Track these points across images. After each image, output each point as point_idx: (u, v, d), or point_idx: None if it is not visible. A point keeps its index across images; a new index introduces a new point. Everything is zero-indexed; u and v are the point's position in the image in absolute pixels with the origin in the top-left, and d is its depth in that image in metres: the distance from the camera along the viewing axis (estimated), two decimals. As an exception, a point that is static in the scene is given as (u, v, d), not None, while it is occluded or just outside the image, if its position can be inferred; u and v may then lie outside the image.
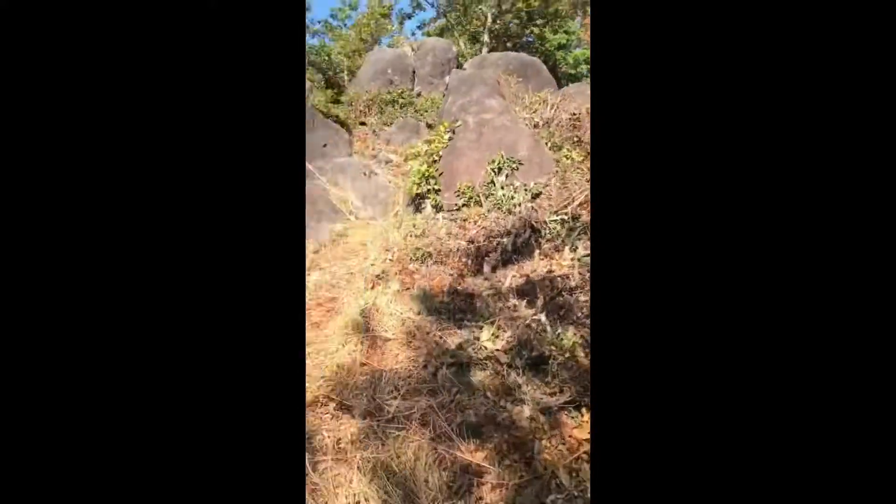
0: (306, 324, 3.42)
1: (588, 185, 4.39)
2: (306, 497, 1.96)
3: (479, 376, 2.70)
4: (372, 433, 2.31)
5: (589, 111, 5.54)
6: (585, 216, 4.19)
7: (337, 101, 8.40)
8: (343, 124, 7.40)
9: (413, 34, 14.23)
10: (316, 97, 7.28)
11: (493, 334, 2.93)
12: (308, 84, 7.39)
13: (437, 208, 5.22)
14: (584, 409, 2.37)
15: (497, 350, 2.79)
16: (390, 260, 4.15)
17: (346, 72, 10.96)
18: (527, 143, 5.20)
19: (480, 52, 11.66)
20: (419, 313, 3.26)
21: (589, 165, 4.83)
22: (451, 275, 3.79)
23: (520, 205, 4.57)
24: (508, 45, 12.43)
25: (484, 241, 4.00)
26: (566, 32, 12.53)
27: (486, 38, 12.13)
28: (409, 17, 13.94)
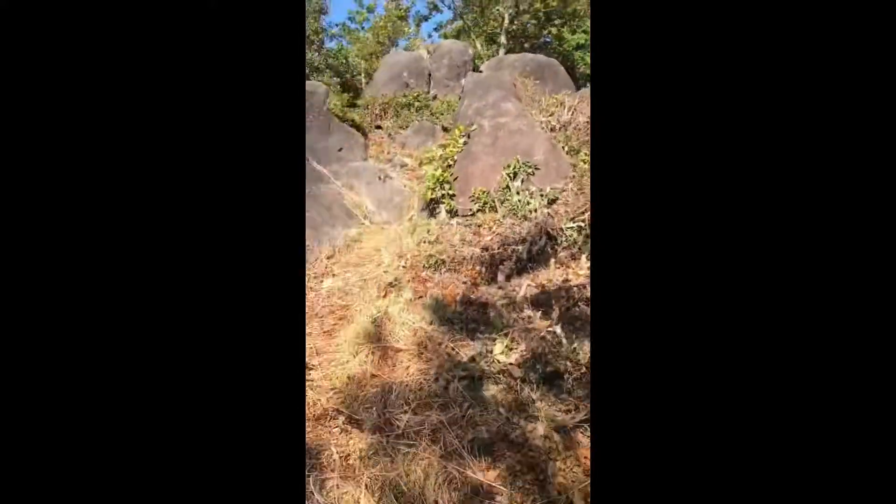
0: (318, 332, 3.40)
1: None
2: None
3: (491, 390, 2.63)
4: (381, 449, 2.26)
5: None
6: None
7: (353, 105, 8.40)
8: (359, 128, 7.39)
9: (430, 36, 14.21)
10: (332, 101, 7.26)
11: (506, 347, 2.86)
12: (324, 88, 7.39)
13: (452, 213, 5.17)
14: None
15: (510, 364, 2.72)
16: (403, 267, 4.11)
17: (363, 74, 10.98)
18: (543, 148, 5.10)
19: (497, 53, 11.56)
20: (431, 323, 3.20)
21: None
22: (465, 283, 3.73)
23: (535, 211, 4.49)
24: (526, 45, 12.30)
25: (498, 248, 3.93)
26: (585, 32, 12.34)
27: (503, 39, 12.01)
28: (426, 19, 13.86)
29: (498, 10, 12.06)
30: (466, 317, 3.25)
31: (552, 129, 5.65)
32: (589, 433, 2.28)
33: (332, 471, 2.14)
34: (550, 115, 5.91)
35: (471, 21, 13.02)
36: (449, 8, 13.51)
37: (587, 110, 5.93)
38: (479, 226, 4.65)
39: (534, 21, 12.40)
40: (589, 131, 5.60)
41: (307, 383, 2.73)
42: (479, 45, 12.17)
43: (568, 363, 2.67)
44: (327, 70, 10.47)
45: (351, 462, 2.21)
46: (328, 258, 4.71)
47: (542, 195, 4.63)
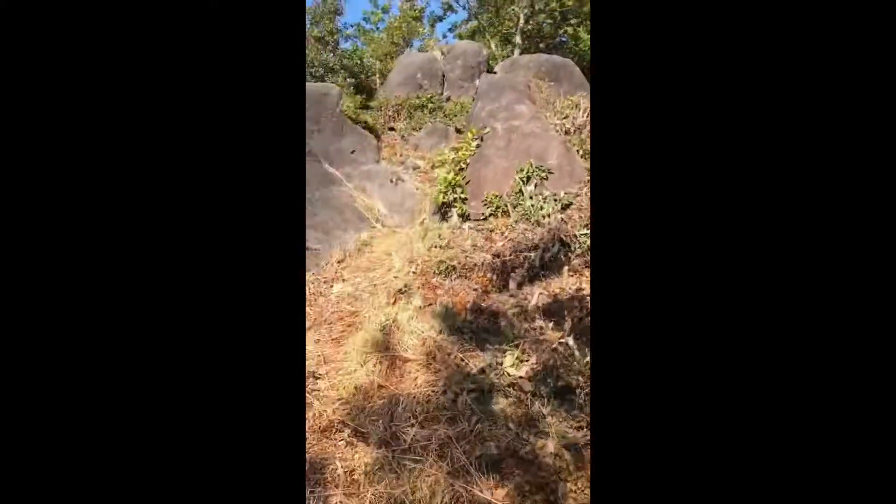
0: (327, 339, 3.37)
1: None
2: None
3: (501, 404, 2.57)
4: (387, 464, 2.21)
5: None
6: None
7: (366, 107, 8.38)
8: (372, 130, 7.36)
9: (444, 37, 14.16)
10: (345, 103, 7.24)
11: (517, 359, 2.79)
12: (337, 90, 7.38)
13: (464, 217, 5.10)
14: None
15: (521, 377, 2.65)
16: (414, 272, 4.06)
17: (377, 75, 10.97)
18: (557, 151, 5.01)
19: (512, 53, 11.45)
20: (441, 332, 3.15)
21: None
22: (476, 290, 3.66)
23: (549, 216, 4.40)
24: (541, 45, 12.15)
25: (510, 254, 3.86)
26: (601, 32, 12.12)
27: (518, 39, 11.88)
28: (441, 19, 13.76)
29: (513, 9, 11.93)
30: (476, 326, 3.18)
31: (566, 132, 5.54)
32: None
33: (336, 486, 2.10)
34: (565, 118, 5.80)
35: (486, 21, 12.91)
36: (464, 8, 13.43)
37: (603, 112, 5.79)
38: (490, 231, 4.58)
39: (549, 21, 12.24)
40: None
41: (314, 393, 2.70)
42: (493, 46, 12.06)
43: (580, 378, 2.59)
44: (342, 71, 10.47)
45: (355, 477, 2.17)
46: (339, 262, 4.69)
47: (555, 200, 4.54)
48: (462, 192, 5.17)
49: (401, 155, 7.27)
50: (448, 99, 8.31)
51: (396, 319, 3.28)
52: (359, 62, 10.91)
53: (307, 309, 3.82)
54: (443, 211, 5.37)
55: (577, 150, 5.26)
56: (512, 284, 3.63)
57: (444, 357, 2.89)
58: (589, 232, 4.02)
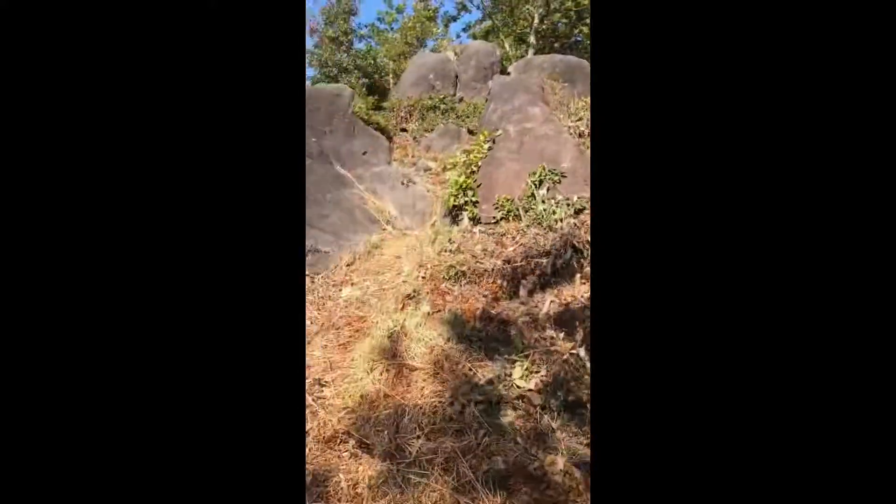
0: (334, 344, 3.33)
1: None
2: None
3: (509, 417, 2.51)
4: (391, 478, 2.16)
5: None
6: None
7: (379, 108, 8.36)
8: (383, 131, 7.33)
9: (458, 37, 14.06)
10: (357, 104, 7.22)
11: (526, 370, 2.72)
12: (349, 91, 7.36)
13: (475, 221, 5.03)
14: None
15: (530, 390, 2.58)
16: (423, 277, 4.00)
17: (391, 75, 10.95)
18: (570, 154, 4.92)
19: (527, 53, 11.33)
20: (449, 340, 3.09)
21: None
22: (485, 296, 3.60)
23: (561, 221, 4.31)
24: (556, 45, 12.01)
25: (521, 260, 3.78)
26: (617, 31, 11.95)
27: (532, 39, 11.76)
28: (455, 19, 13.71)
29: (528, 9, 11.82)
30: (486, 334, 3.12)
31: (580, 135, 5.44)
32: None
33: (339, 500, 2.06)
34: (579, 120, 5.69)
35: (500, 21, 12.81)
36: (478, 8, 13.34)
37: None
38: (502, 235, 4.51)
39: (565, 20, 12.10)
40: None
41: (319, 401, 2.67)
42: (507, 46, 11.95)
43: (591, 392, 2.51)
44: (355, 71, 10.47)
45: (359, 491, 2.12)
46: (348, 265, 4.66)
47: (568, 204, 4.45)
48: (473, 196, 5.10)
49: (412, 156, 7.24)
50: (461, 100, 8.25)
51: (404, 326, 3.23)
52: (372, 62, 10.90)
53: (315, 313, 3.80)
54: (454, 214, 5.32)
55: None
56: (522, 292, 3.56)
57: (451, 366, 2.83)
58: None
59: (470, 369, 2.81)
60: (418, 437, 2.40)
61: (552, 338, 2.95)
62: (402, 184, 6.23)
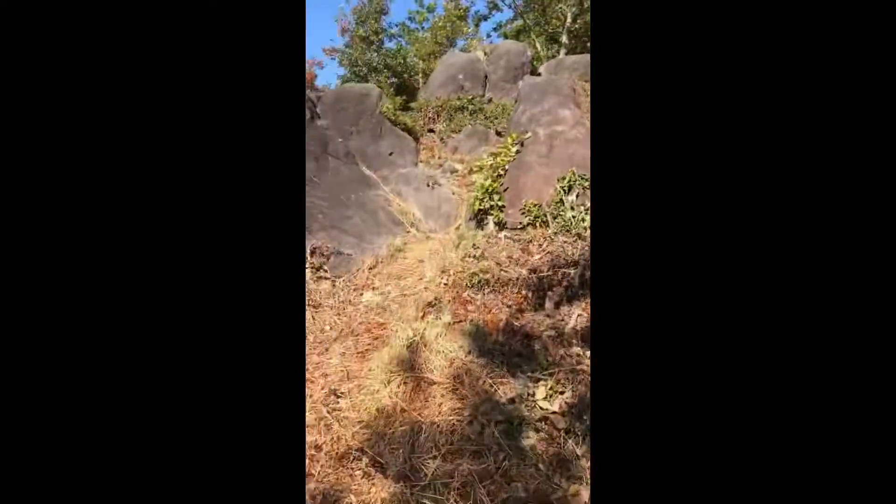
0: (353, 352, 3.26)
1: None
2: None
3: (531, 439, 2.37)
4: (404, 501, 2.06)
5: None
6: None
7: (406, 108, 8.29)
8: (410, 132, 7.26)
9: (488, 36, 13.86)
10: (385, 104, 7.17)
11: (550, 389, 2.58)
12: (377, 91, 7.32)
13: (500, 226, 4.90)
14: None
15: (554, 412, 2.43)
16: (445, 284, 3.89)
17: (420, 74, 10.89)
18: (603, 159, 4.72)
19: (558, 53, 11.09)
20: (469, 353, 2.97)
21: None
22: (509, 307, 3.46)
23: (590, 228, 4.13)
24: (589, 45, 11.74)
25: (548, 270, 3.63)
26: (654, 31, 11.56)
27: (564, 38, 11.50)
28: (486, 18, 13.51)
29: (560, 7, 11.55)
30: (508, 348, 2.99)
31: (613, 139, 5.23)
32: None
33: (349, 524, 1.97)
34: (612, 123, 5.48)
35: (531, 20, 12.57)
36: (509, 7, 13.12)
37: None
38: (528, 242, 4.36)
39: (599, 19, 11.77)
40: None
41: (334, 414, 2.59)
42: (539, 46, 11.72)
43: (620, 416, 2.35)
44: (385, 70, 10.45)
45: (370, 514, 2.03)
46: (370, 269, 4.59)
47: (599, 212, 4.27)
48: (499, 200, 4.97)
49: (439, 157, 7.14)
50: (490, 101, 8.10)
51: (424, 336, 3.13)
52: (402, 62, 10.87)
53: (336, 318, 3.74)
54: (479, 218, 5.19)
55: (625, 159, 4.95)
56: (548, 304, 3.40)
57: (472, 382, 2.71)
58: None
59: (491, 386, 2.69)
60: (434, 457, 2.29)
61: (579, 355, 2.79)
62: (428, 185, 6.14)
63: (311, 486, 2.11)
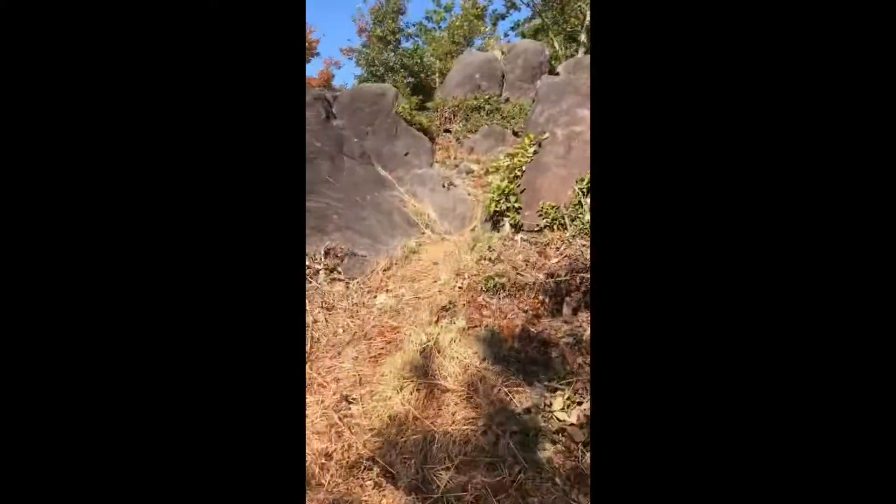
0: (365, 357, 3.21)
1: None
2: None
3: (547, 452, 2.28)
4: (416, 515, 2.00)
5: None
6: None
7: (422, 108, 8.24)
8: (426, 132, 7.20)
9: (506, 35, 13.73)
10: (401, 104, 7.12)
11: (568, 399, 2.49)
12: (393, 90, 7.27)
13: (517, 228, 4.80)
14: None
15: (572, 424, 2.35)
16: (460, 287, 3.82)
17: (437, 74, 10.84)
18: (623, 161, 4.60)
19: (577, 52, 10.92)
20: (484, 360, 2.89)
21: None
22: (526, 312, 3.37)
23: (610, 232, 4.02)
24: (608, 44, 11.53)
25: (566, 275, 3.53)
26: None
27: (583, 37, 11.32)
28: (503, 17, 13.41)
29: (579, 6, 11.38)
30: (524, 356, 2.90)
31: (634, 139, 5.10)
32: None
33: (359, 537, 1.91)
34: (633, 123, 5.35)
35: (549, 19, 12.41)
36: (527, 5, 12.98)
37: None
38: (545, 245, 4.26)
39: (619, 17, 11.57)
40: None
41: (345, 420, 2.54)
42: (557, 45, 11.56)
43: (641, 430, 2.26)
44: (402, 70, 10.42)
45: (381, 527, 1.97)
46: (384, 271, 4.54)
47: (618, 215, 4.15)
48: (516, 201, 4.87)
49: (455, 158, 7.06)
50: (507, 100, 8.00)
51: (438, 341, 3.06)
52: (419, 61, 10.83)
53: (349, 321, 3.70)
54: (495, 220, 5.11)
55: (646, 160, 4.82)
56: (566, 309, 3.31)
57: (486, 390, 2.63)
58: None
59: (506, 394, 2.61)
60: (447, 468, 2.22)
61: (598, 365, 2.70)
62: (443, 186, 6.08)
63: (320, 496, 2.06)
